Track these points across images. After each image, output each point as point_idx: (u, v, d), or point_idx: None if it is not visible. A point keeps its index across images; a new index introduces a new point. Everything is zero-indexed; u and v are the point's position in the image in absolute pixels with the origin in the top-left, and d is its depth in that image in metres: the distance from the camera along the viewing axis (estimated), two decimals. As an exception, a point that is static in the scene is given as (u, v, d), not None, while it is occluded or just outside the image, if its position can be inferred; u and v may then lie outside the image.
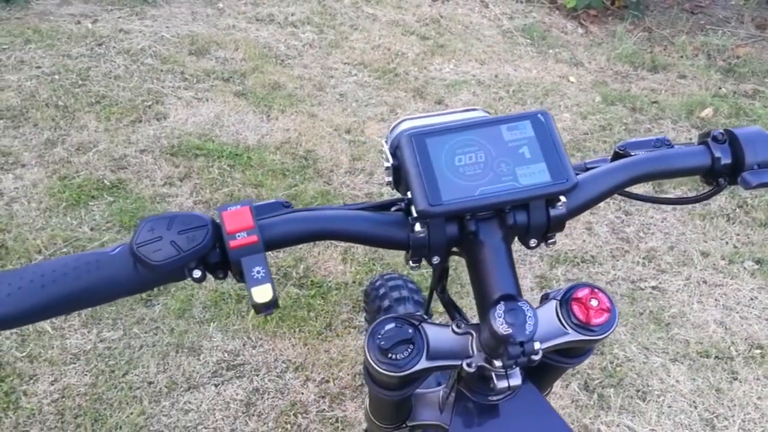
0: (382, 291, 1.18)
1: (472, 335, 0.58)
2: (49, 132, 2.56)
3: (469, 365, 0.56)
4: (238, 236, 0.54)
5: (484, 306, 0.57)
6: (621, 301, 2.06)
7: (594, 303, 0.55)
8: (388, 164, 0.62)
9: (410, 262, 0.62)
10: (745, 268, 2.19)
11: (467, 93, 3.10)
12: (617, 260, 2.22)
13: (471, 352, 0.57)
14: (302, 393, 1.76)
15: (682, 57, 3.54)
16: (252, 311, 1.93)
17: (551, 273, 2.16)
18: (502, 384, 0.56)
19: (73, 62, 2.98)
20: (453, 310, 0.76)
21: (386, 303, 1.14)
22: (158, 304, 1.96)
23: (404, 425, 0.73)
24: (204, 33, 3.37)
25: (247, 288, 0.53)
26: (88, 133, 2.58)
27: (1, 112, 2.62)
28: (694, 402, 1.77)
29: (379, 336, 0.55)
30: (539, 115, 0.57)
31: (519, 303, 0.53)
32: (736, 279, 2.14)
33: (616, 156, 0.68)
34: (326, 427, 1.68)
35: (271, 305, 0.53)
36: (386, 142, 0.64)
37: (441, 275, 0.73)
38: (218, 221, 0.55)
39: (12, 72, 2.87)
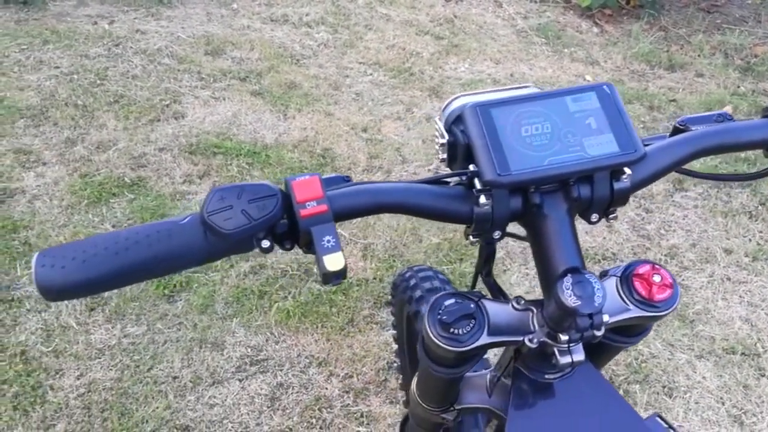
0: (412, 282, 1.17)
1: (532, 311, 0.58)
2: (69, 131, 2.57)
3: (530, 341, 0.56)
4: (308, 205, 0.54)
5: (549, 279, 0.56)
6: (644, 298, 2.05)
7: (657, 279, 0.54)
8: (443, 141, 0.62)
9: (470, 237, 0.61)
10: (768, 265, 2.17)
11: (484, 91, 3.09)
12: (639, 257, 2.20)
13: (532, 327, 0.57)
14: (326, 388, 1.75)
15: (699, 56, 3.52)
16: (274, 309, 1.93)
17: (573, 270, 2.15)
18: (565, 360, 0.56)
19: (91, 62, 3.00)
20: (498, 293, 0.75)
21: (417, 293, 1.14)
22: (181, 300, 1.96)
23: (452, 408, 0.72)
24: (219, 33, 3.38)
25: (317, 257, 0.53)
26: (108, 131, 2.59)
27: (22, 111, 2.64)
28: (721, 398, 1.76)
29: (441, 311, 0.55)
30: (605, 87, 0.56)
31: (586, 275, 0.53)
32: (760, 276, 2.13)
33: (676, 131, 0.68)
34: (351, 422, 1.67)
35: (341, 274, 0.53)
36: (439, 119, 0.64)
37: (487, 258, 0.73)
38: (287, 191, 0.55)
39: (31, 72, 2.89)
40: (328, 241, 0.53)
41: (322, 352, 1.84)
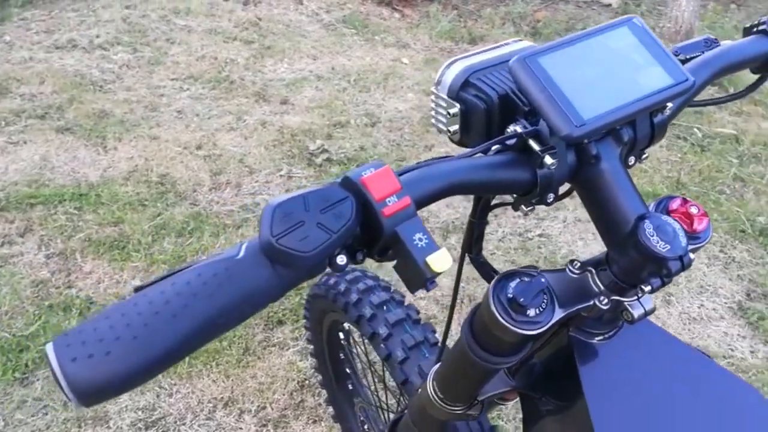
0: (342, 287, 1.09)
1: (591, 272, 0.54)
2: None
3: (601, 302, 0.53)
4: (389, 202, 0.44)
5: (620, 231, 0.53)
6: (516, 254, 2.16)
7: (694, 210, 0.54)
8: (454, 110, 0.56)
9: (523, 206, 0.56)
10: (606, 201, 2.41)
11: (310, 89, 3.04)
12: (500, 218, 2.32)
13: (596, 289, 0.53)
14: (240, 428, 1.60)
15: (492, 27, 3.80)
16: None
17: (446, 243, 2.19)
18: (638, 312, 0.53)
19: None
20: (492, 272, 0.72)
21: (354, 297, 1.06)
22: (38, 379, 1.66)
23: (476, 401, 0.67)
24: (-4, 70, 2.93)
25: (411, 261, 0.43)
26: None
27: None
28: (607, 327, 1.91)
29: (510, 294, 0.49)
30: (634, 20, 0.54)
31: (662, 217, 0.50)
32: (603, 211, 2.35)
33: None
34: (279, 456, 1.54)
35: (438, 274, 0.44)
36: (439, 90, 0.58)
37: (478, 236, 0.69)
38: (357, 189, 0.45)
39: None
40: (421, 240, 0.44)
41: (224, 392, 1.67)
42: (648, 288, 0.52)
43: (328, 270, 0.45)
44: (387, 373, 1.16)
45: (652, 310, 0.54)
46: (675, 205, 0.54)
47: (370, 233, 0.45)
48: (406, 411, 0.85)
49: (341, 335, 1.32)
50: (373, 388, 1.28)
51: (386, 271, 2.06)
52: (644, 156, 0.61)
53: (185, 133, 2.66)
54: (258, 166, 2.49)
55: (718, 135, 2.86)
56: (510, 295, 0.49)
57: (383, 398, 1.24)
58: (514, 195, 0.57)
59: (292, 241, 0.41)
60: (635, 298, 0.53)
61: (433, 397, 0.68)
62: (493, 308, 0.49)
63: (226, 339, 1.79)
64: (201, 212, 2.25)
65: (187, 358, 1.71)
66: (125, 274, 1.97)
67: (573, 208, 2.36)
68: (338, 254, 0.44)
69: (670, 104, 0.58)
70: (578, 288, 0.54)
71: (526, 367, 0.66)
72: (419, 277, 0.44)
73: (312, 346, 1.40)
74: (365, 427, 1.37)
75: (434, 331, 1.02)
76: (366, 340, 1.10)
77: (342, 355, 1.38)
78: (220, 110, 2.84)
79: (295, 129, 2.72)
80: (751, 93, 0.72)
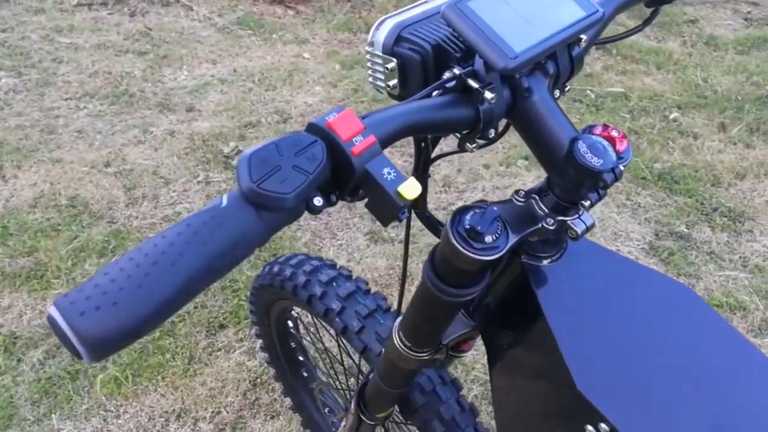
0: (288, 272, 1.09)
1: (535, 198, 0.59)
2: None
3: (548, 223, 0.57)
4: (356, 141, 0.47)
5: (557, 155, 0.58)
6: (443, 228, 2.23)
7: (615, 133, 0.59)
8: (391, 65, 0.59)
9: (468, 144, 0.60)
10: (519, 167, 2.52)
11: (215, 93, 2.99)
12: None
13: (541, 212, 0.58)
14: (197, 437, 1.57)
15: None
16: (98, 383, 1.65)
17: (377, 224, 2.23)
18: (581, 227, 0.58)
19: None
20: (438, 224, 0.76)
21: (301, 279, 1.07)
22: (-31, 425, 1.56)
23: (441, 345, 0.70)
24: None
25: (383, 195, 0.46)
26: None
27: None
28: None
29: (467, 225, 0.52)
30: None
31: (592, 137, 0.55)
32: (518, 177, 2.46)
33: None
34: (242, 456, 1.53)
35: (412, 203, 0.48)
36: (374, 48, 0.61)
37: (422, 191, 0.72)
38: (324, 133, 0.47)
39: None
40: (389, 173, 0.47)
41: (175, 403, 1.63)
42: (587, 203, 0.57)
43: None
44: (342, 352, 1.18)
45: (593, 225, 0.60)
46: (598, 131, 0.59)
47: (341, 174, 0.48)
48: (371, 376, 0.88)
49: (290, 323, 1.33)
50: (328, 368, 1.30)
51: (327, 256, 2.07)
52: (566, 89, 0.66)
53: (90, 151, 2.56)
54: (173, 175, 2.43)
55: (609, 94, 3.06)
56: (467, 226, 0.52)
57: (340, 377, 1.26)
58: (458, 134, 0.61)
59: (272, 184, 0.43)
60: (577, 215, 0.58)
61: (400, 347, 0.71)
62: (453, 240, 0.52)
63: (168, 351, 1.75)
64: (121, 229, 2.17)
65: (129, 378, 1.67)
66: (48, 303, 1.88)
67: (489, 177, 2.46)
68: (315, 196, 0.46)
69: (584, 36, 0.63)
70: (526, 214, 0.59)
71: (483, 306, 0.70)
72: (392, 208, 0.47)
73: (261, 341, 1.40)
74: (326, 410, 1.38)
75: (385, 299, 1.05)
76: (319, 321, 1.11)
77: (293, 344, 1.39)
78: (124, 125, 2.75)
79: (206, 134, 2.67)
80: (647, 26, 0.80)
